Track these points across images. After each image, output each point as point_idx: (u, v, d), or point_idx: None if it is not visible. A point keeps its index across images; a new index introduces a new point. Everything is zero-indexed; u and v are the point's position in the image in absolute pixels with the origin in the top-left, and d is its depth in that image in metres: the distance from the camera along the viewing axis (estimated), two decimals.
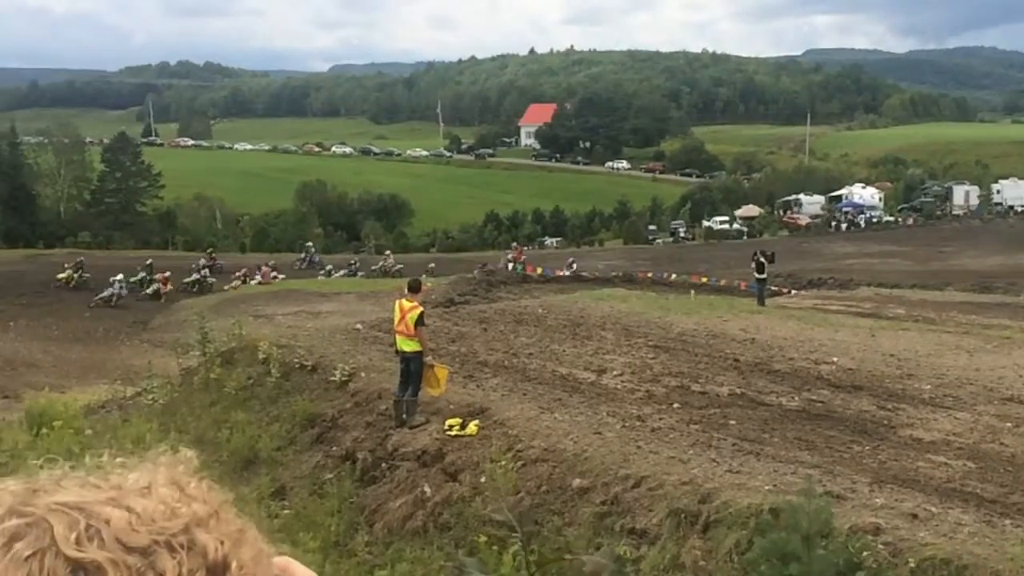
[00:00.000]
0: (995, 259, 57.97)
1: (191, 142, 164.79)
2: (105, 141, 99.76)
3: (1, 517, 0.85)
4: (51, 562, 0.81)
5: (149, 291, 45.96)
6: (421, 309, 12.84)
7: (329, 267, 57.42)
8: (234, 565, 0.89)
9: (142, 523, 0.86)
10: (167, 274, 47.74)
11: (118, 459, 1.00)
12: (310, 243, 67.12)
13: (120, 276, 43.64)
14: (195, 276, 49.54)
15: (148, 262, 50.31)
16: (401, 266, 56.16)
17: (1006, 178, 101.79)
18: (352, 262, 58.26)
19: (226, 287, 48.37)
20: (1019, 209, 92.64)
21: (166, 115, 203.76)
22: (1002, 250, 63.23)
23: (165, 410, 15.96)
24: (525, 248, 66.04)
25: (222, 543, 0.89)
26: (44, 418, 14.25)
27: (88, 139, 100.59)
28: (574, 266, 47.84)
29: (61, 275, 46.33)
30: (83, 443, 12.23)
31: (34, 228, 77.59)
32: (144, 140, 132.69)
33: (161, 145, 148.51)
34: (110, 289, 42.65)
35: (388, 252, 61.99)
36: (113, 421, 16.21)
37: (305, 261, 61.79)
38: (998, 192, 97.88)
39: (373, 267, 57.96)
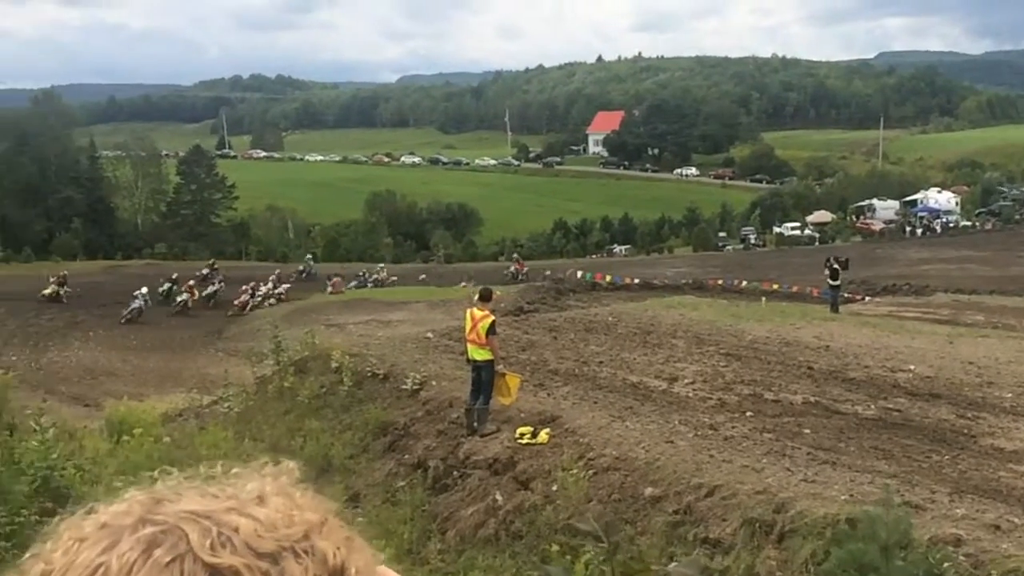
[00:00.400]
0: None
1: (263, 154, 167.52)
2: (180, 154, 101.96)
3: (134, 525, 0.89)
4: (190, 567, 0.84)
5: (177, 303, 44.79)
6: (493, 318, 12.90)
7: (335, 278, 56.64)
8: (353, 570, 0.93)
9: (266, 530, 0.89)
10: (190, 283, 46.89)
11: (232, 470, 1.05)
12: (309, 255, 65.93)
13: (144, 289, 42.83)
14: (211, 288, 47.95)
15: (174, 277, 48.63)
16: (395, 278, 56.54)
17: None
18: (361, 273, 57.72)
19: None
20: None
21: (239, 128, 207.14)
22: None
23: (240, 418, 16.21)
24: (593, 257, 66.35)
25: (339, 549, 0.93)
26: (124, 426, 14.56)
27: (164, 152, 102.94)
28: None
29: (45, 291, 44.53)
30: (161, 451, 12.49)
31: (112, 240, 79.52)
32: (218, 152, 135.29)
33: (234, 157, 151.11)
34: (135, 303, 41.81)
35: (382, 266, 60.86)
36: (190, 429, 16.50)
37: (304, 273, 59.42)
38: None
39: (372, 277, 57.17)
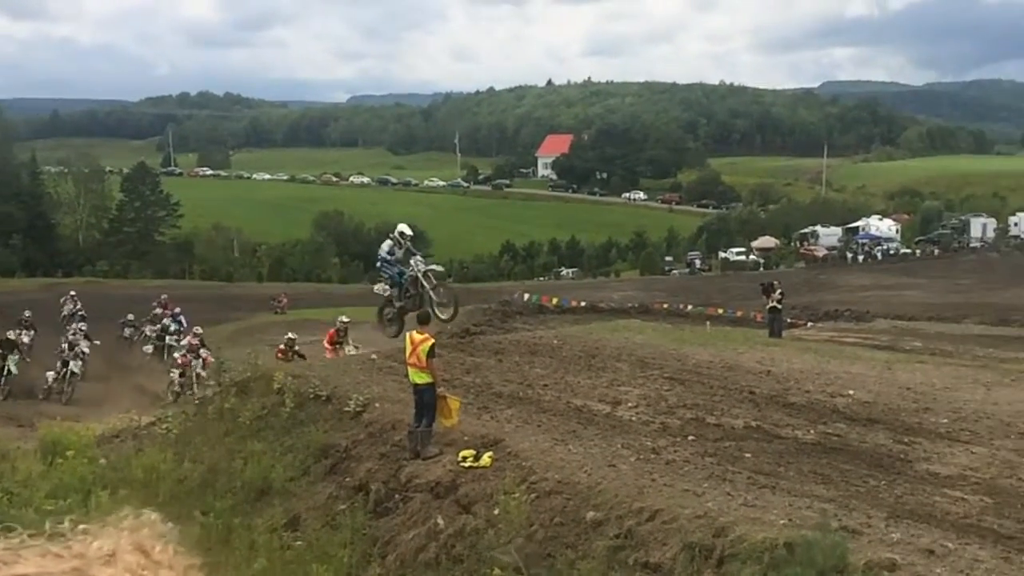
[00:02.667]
0: (1012, 292, 57.58)
1: (210, 172, 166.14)
2: (125, 171, 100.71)
3: None
4: None
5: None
6: (432, 341, 12.89)
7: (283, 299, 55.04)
8: None
9: None
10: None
11: (80, 526, 0.98)
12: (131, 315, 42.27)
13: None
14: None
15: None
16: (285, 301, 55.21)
17: (1023, 211, 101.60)
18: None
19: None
20: None
21: (186, 145, 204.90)
22: (1019, 283, 62.82)
23: (179, 440, 15.97)
24: (541, 279, 66.31)
25: None
26: (58, 447, 14.31)
27: (108, 168, 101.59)
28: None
29: None
30: (97, 473, 12.28)
31: (53, 257, 78.28)
32: (163, 170, 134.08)
33: (180, 175, 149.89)
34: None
35: (283, 294, 59.26)
36: (127, 451, 16.24)
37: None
38: (1015, 224, 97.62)
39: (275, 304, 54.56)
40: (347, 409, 14.61)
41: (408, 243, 19.29)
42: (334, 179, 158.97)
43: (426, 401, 12.67)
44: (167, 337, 35.80)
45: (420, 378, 12.75)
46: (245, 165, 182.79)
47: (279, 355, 26.50)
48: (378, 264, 19.44)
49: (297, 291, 66.47)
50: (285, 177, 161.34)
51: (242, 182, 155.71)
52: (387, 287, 19.22)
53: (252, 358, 18.89)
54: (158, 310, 41.35)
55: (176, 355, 28.99)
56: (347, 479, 13.20)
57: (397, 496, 12.28)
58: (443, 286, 19.24)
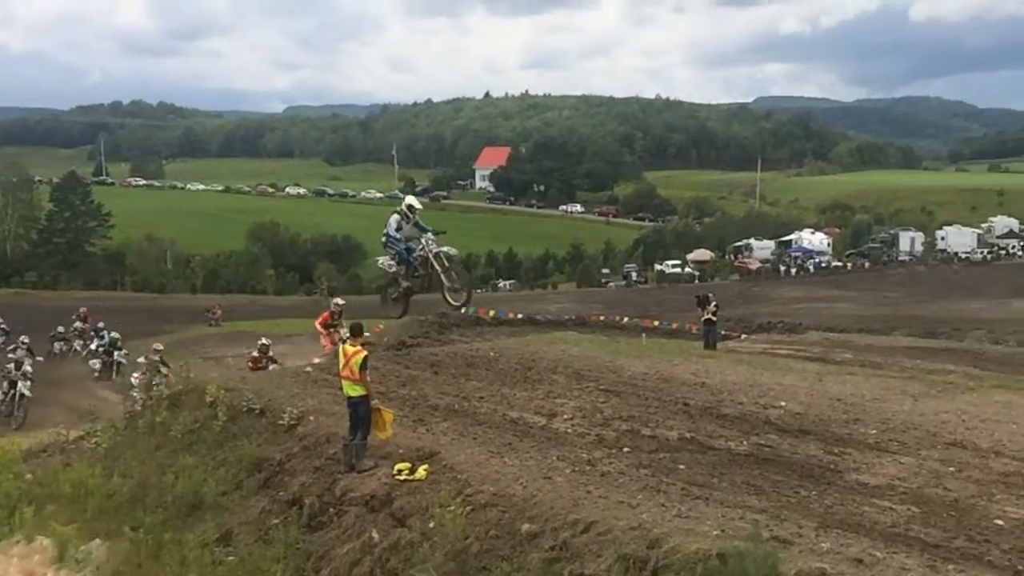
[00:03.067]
0: (939, 304, 58.96)
1: (143, 182, 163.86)
2: (54, 180, 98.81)
3: None
4: None
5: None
6: (365, 353, 12.78)
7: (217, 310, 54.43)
8: None
9: None
10: None
11: None
12: (60, 328, 40.87)
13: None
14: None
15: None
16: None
17: (950, 225, 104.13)
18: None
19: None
20: (963, 256, 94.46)
21: (118, 155, 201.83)
22: (946, 296, 64.33)
23: (108, 454, 15.66)
24: (478, 291, 66.56)
25: None
26: None
27: (37, 178, 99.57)
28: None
29: None
30: (23, 489, 12.01)
31: None
32: (95, 179, 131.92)
33: (112, 184, 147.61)
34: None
35: (217, 306, 57.77)
36: (55, 466, 15.89)
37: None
38: (942, 239, 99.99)
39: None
40: (281, 422, 14.45)
41: (416, 218, 18.63)
42: (270, 190, 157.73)
43: (360, 414, 12.57)
44: (115, 353, 34.67)
45: (354, 391, 12.65)
46: (179, 175, 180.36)
47: (251, 364, 25.94)
48: (384, 240, 18.73)
49: (232, 303, 65.74)
50: (220, 187, 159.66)
51: (176, 192, 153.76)
52: (392, 262, 18.59)
53: (184, 370, 18.64)
54: (78, 324, 40.51)
55: (135, 375, 27.61)
56: (280, 493, 13.04)
57: (331, 510, 12.16)
58: (455, 269, 18.65)
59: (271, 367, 25.34)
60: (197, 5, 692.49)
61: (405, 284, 18.30)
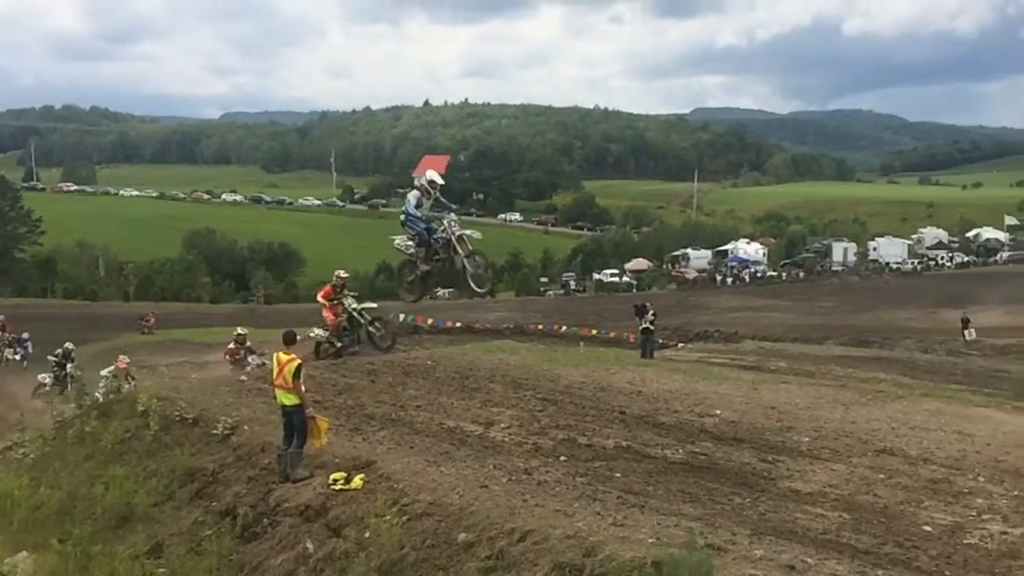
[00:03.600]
0: (871, 314, 60.01)
1: (75, 187, 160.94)
2: None
3: None
4: None
5: None
6: (299, 362, 12.63)
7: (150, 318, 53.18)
8: None
9: None
10: None
11: None
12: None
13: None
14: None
15: None
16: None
17: (882, 236, 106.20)
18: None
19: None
20: (894, 266, 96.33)
21: (49, 160, 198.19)
22: (878, 305, 65.48)
23: (36, 465, 15.32)
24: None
25: None
26: None
27: None
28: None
29: None
30: None
31: None
32: (24, 184, 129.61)
33: (43, 190, 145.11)
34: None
35: (151, 313, 56.07)
36: None
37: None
38: (874, 249, 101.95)
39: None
40: (215, 432, 14.24)
41: (437, 194, 17.59)
42: (206, 197, 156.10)
43: (295, 423, 12.43)
44: (68, 365, 33.30)
45: (288, 399, 12.52)
46: (112, 181, 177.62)
47: (228, 356, 25.30)
48: (402, 218, 17.68)
49: (166, 311, 64.82)
50: (154, 194, 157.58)
51: (109, 198, 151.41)
52: (410, 243, 17.55)
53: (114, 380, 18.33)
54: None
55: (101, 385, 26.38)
56: (214, 503, 12.85)
57: (265, 520, 12.01)
58: (479, 253, 17.82)
59: (250, 359, 24.80)
60: (132, 8, 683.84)
61: (424, 268, 17.32)
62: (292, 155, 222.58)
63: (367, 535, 10.40)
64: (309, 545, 11.00)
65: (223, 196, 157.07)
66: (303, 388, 12.58)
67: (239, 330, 26.88)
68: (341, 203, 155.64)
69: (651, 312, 29.50)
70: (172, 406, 15.48)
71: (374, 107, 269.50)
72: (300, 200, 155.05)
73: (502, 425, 14.20)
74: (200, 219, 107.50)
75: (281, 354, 12.87)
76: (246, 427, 14.30)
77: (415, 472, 11.66)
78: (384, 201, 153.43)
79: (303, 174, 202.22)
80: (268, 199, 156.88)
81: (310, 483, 12.07)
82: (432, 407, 15.48)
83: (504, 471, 11.76)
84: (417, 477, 11.44)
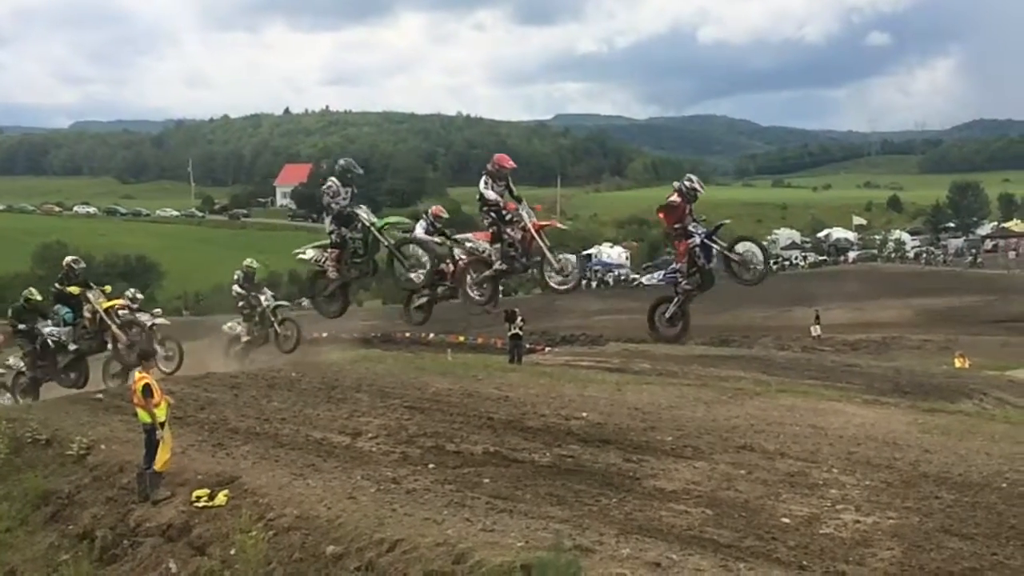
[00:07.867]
0: (731, 313, 61.50)
1: None
2: None
3: None
4: None
5: None
6: (147, 380, 12.33)
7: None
8: None
9: None
10: None
11: None
12: None
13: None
14: None
15: None
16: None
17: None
18: None
19: None
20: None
21: None
22: (738, 305, 67.25)
23: None
24: None
25: None
26: None
27: None
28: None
29: None
30: None
31: None
32: None
33: None
34: None
35: None
36: None
37: None
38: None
39: None
40: (70, 452, 13.72)
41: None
42: (56, 209, 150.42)
43: (154, 441, 12.12)
44: None
45: (145, 418, 12.21)
46: None
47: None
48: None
49: None
50: (1, 206, 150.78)
51: None
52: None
53: None
54: None
55: None
56: (70, 527, 12.39)
57: (126, 542, 11.64)
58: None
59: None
60: None
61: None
62: (148, 165, 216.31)
63: (233, 552, 10.20)
64: (172, 565, 10.73)
65: (75, 208, 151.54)
66: (153, 406, 12.23)
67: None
68: (200, 214, 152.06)
69: (520, 318, 29.70)
70: (23, 427, 14.86)
71: (232, 115, 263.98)
72: (157, 211, 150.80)
73: (369, 435, 14.10)
74: (51, 232, 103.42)
75: (137, 371, 12.56)
76: (103, 446, 13.83)
77: (281, 486, 11.49)
78: (246, 211, 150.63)
79: (160, 184, 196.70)
80: (123, 210, 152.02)
81: (171, 502, 11.76)
82: (298, 419, 15.26)
83: (372, 481, 11.67)
84: (283, 491, 11.27)
